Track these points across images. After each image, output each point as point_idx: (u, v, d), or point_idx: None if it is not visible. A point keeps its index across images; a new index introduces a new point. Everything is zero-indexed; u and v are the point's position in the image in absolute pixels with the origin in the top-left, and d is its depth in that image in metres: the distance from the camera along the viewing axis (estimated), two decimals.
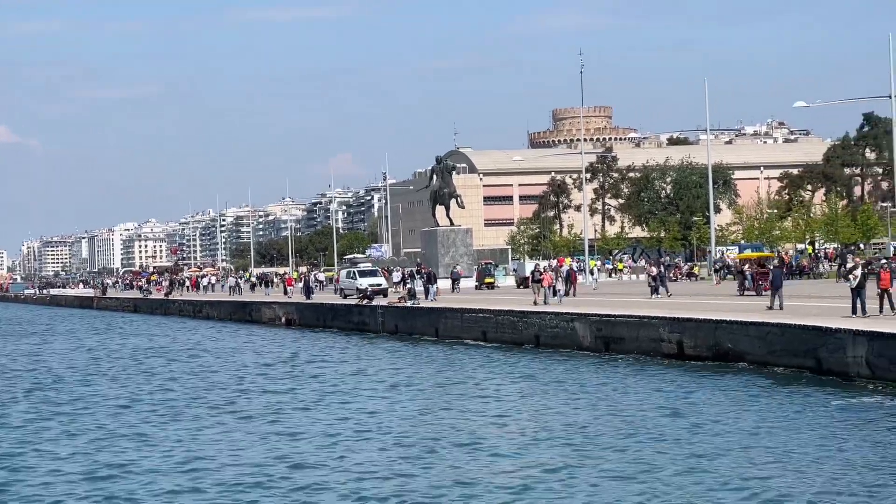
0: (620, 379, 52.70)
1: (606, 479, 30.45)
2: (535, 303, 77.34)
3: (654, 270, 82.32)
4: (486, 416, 43.15)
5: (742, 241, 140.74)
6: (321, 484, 31.26)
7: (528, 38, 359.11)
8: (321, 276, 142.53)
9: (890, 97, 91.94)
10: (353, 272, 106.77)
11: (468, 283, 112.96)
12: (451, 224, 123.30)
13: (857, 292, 52.26)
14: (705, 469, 31.05)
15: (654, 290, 78.94)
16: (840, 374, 46.72)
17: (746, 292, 74.66)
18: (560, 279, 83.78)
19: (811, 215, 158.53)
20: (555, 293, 78.44)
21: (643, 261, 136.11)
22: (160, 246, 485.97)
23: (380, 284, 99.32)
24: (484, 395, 49.68)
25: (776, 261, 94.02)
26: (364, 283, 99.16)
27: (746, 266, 79.47)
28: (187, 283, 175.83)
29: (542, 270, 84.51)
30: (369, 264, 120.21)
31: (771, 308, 60.65)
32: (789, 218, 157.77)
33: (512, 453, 34.75)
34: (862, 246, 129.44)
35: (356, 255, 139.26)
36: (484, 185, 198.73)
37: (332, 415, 45.29)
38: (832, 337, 48.88)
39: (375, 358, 70.37)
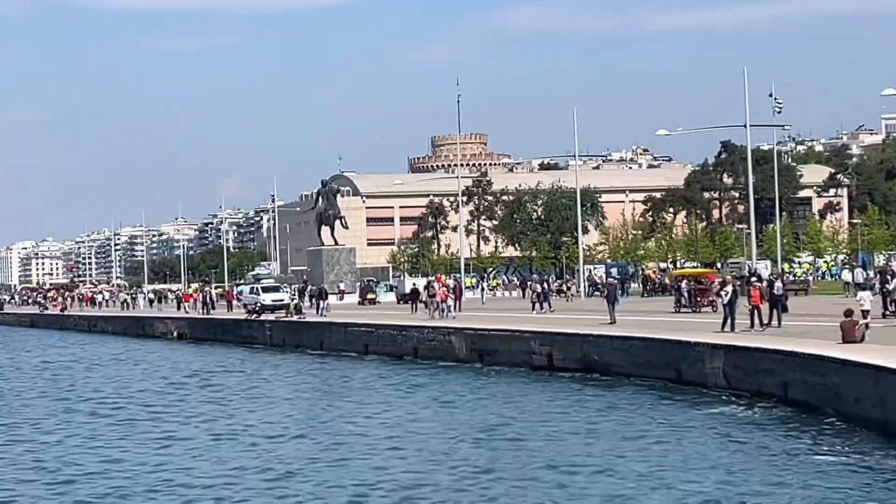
0: (490, 387, 53.30)
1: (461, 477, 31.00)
2: (432, 317, 77.30)
3: (539, 287, 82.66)
4: (358, 422, 43.68)
5: (609, 260, 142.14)
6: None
7: (405, 68, 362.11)
8: (214, 293, 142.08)
9: (745, 126, 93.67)
10: (257, 288, 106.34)
11: (351, 298, 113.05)
12: (336, 244, 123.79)
13: (729, 308, 52.80)
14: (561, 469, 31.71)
15: (538, 305, 78.91)
16: (699, 384, 47.38)
17: (683, 309, 71.46)
18: (450, 295, 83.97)
19: (673, 236, 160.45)
20: (445, 308, 78.51)
21: (515, 278, 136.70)
22: (57, 263, 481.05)
23: (282, 300, 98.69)
24: (360, 404, 50.19)
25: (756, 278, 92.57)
26: (268, 298, 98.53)
27: (683, 283, 76.06)
28: (78, 299, 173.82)
29: (435, 286, 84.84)
30: (272, 280, 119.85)
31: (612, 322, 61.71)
32: (652, 238, 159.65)
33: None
34: (719, 265, 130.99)
35: (260, 272, 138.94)
36: (367, 207, 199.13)
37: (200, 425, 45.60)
38: (692, 350, 49.69)
39: (259, 371, 70.42)
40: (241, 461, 35.91)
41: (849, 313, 44.84)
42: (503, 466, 33.40)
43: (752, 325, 52.27)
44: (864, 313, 46.03)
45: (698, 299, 71.12)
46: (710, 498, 28.46)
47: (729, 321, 52.24)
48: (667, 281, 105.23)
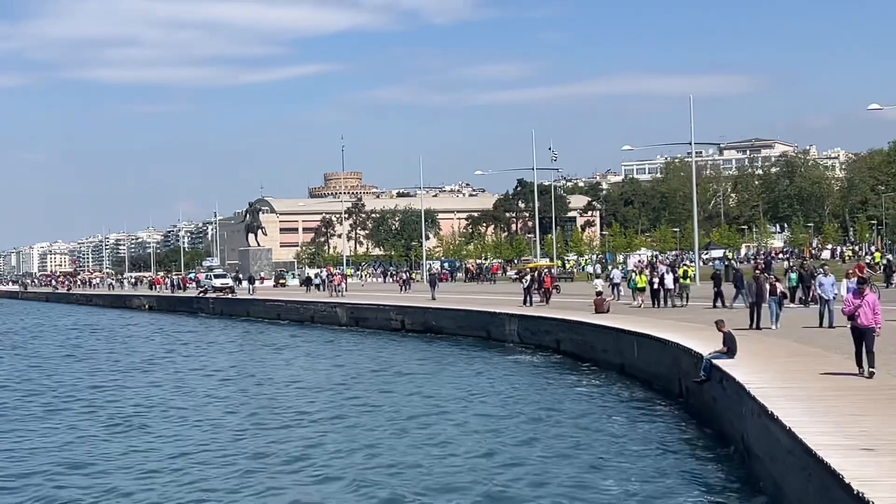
0: (368, 343, 53.74)
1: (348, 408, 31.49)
2: (331, 295, 76.54)
3: (404, 276, 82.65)
4: (277, 365, 43.91)
5: (442, 258, 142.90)
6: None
7: (307, 125, 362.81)
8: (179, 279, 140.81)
9: (533, 169, 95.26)
10: (210, 275, 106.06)
11: (269, 283, 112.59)
12: (259, 246, 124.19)
13: (527, 290, 53.32)
14: (424, 393, 32.36)
15: (403, 288, 79.33)
16: (502, 341, 48.01)
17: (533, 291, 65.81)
18: (344, 281, 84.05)
19: (485, 242, 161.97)
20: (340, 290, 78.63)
21: (380, 269, 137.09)
22: (65, 258, 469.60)
23: (228, 283, 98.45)
24: (275, 351, 50.38)
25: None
26: (217, 282, 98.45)
27: (535, 273, 71.53)
28: (80, 282, 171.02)
29: (336, 275, 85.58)
30: (221, 270, 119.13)
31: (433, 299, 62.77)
32: (471, 244, 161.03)
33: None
34: (515, 261, 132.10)
35: (212, 264, 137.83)
36: (280, 221, 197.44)
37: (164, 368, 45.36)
38: (497, 318, 50.43)
39: (204, 329, 70.24)
40: (193, 374, 36.58)
41: (599, 293, 45.78)
42: (372, 383, 34.05)
43: (545, 301, 53.03)
44: (598, 294, 46.80)
45: (542, 286, 68.06)
46: (506, 401, 29.71)
47: (528, 298, 52.50)
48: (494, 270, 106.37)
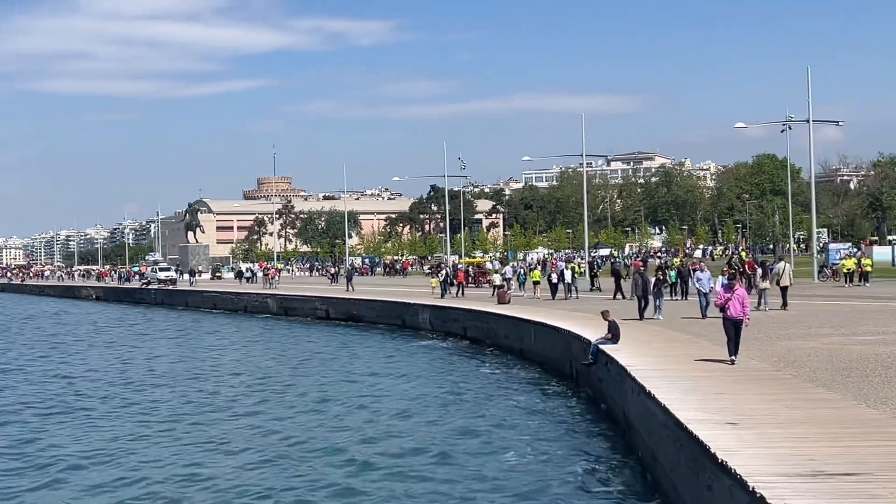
0: (298, 330, 53.44)
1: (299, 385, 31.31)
2: (265, 287, 75.31)
3: (332, 270, 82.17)
4: (211, 349, 43.49)
5: (363, 254, 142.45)
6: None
7: (242, 136, 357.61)
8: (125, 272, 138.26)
9: (444, 176, 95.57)
10: (156, 268, 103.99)
11: (206, 276, 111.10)
12: (197, 242, 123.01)
13: (444, 283, 53.21)
14: (350, 370, 32.29)
15: (334, 281, 78.17)
16: (415, 328, 48.09)
17: (469, 284, 59.20)
18: (278, 275, 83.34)
19: (401, 240, 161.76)
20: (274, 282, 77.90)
21: (308, 265, 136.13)
22: (19, 252, 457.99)
23: (172, 276, 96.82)
24: (210, 334, 49.89)
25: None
26: (162, 275, 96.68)
27: (470, 268, 67.93)
28: (33, 274, 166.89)
29: (271, 268, 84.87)
30: (165, 264, 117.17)
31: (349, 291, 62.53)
32: (389, 242, 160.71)
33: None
34: (429, 257, 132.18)
35: (157, 259, 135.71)
36: (217, 220, 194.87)
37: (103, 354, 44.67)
38: (411, 308, 50.49)
39: (144, 318, 69.17)
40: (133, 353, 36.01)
41: (500, 286, 46.08)
42: (299, 362, 33.96)
43: (460, 294, 52.87)
44: (499, 287, 47.25)
45: (479, 278, 64.65)
46: (417, 376, 29.74)
47: (444, 290, 52.42)
48: (405, 265, 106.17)
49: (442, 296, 51.77)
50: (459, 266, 65.56)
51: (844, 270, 52.30)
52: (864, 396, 15.00)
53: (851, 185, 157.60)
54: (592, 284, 52.15)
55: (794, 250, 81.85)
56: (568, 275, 46.63)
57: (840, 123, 69.86)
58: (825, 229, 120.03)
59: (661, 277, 33.68)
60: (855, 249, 75.58)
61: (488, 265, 75.90)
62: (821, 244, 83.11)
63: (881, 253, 72.30)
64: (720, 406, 14.47)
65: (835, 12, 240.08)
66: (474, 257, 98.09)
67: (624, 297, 41.00)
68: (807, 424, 12.89)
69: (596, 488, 16.40)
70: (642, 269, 36.62)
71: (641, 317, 30.96)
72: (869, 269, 51.73)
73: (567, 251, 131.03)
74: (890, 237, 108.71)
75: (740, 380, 17.20)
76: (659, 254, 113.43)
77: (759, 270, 38.02)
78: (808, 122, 58.11)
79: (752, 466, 10.39)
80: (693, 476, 12.39)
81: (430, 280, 60.00)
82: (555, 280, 46.40)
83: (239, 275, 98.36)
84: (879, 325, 26.75)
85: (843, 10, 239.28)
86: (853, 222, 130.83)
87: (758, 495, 9.32)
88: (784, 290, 33.97)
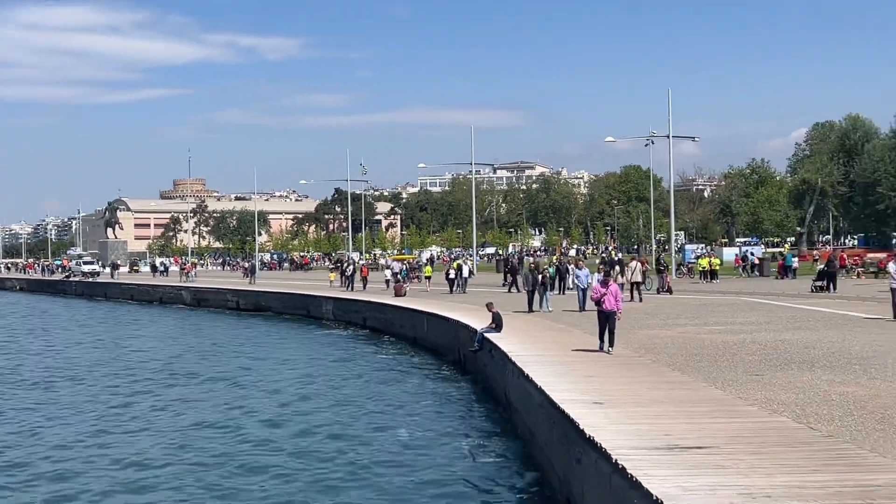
0: (208, 320, 52.59)
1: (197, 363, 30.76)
2: (182, 280, 73.24)
3: (247, 265, 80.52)
4: (130, 332, 42.54)
5: (272, 251, 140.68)
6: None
7: (159, 141, 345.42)
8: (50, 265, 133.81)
9: (348, 180, 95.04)
10: (81, 262, 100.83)
11: (124, 270, 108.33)
12: (116, 238, 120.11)
13: (349, 278, 52.39)
14: (253, 355, 31.93)
15: (248, 277, 76.47)
16: (319, 318, 47.75)
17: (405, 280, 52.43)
18: (194, 269, 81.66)
19: (307, 238, 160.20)
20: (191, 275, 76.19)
21: (220, 260, 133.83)
22: None
23: (96, 269, 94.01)
24: (128, 324, 48.78)
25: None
26: (87, 268, 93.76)
27: (403, 264, 62.10)
28: None
29: (188, 263, 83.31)
30: (90, 258, 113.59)
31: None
32: (296, 239, 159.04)
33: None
34: (332, 254, 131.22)
35: (82, 253, 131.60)
36: (135, 218, 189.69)
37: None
38: (315, 300, 50.15)
39: (65, 307, 67.32)
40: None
41: (398, 280, 45.99)
42: (209, 349, 33.48)
43: (364, 287, 52.28)
44: (395, 281, 47.49)
45: (411, 274, 57.96)
46: (318, 362, 29.02)
47: (350, 284, 51.63)
48: (306, 261, 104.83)
49: (350, 289, 51.51)
50: (362, 262, 65.29)
51: (699, 268, 53.67)
52: (714, 379, 15.33)
53: (705, 194, 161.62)
54: (505, 280, 50.62)
55: (655, 250, 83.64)
56: (466, 270, 47.25)
57: (696, 139, 71.45)
58: (682, 232, 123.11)
59: (544, 274, 34.00)
60: (708, 250, 77.70)
61: (391, 263, 75.35)
62: (678, 245, 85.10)
63: (729, 253, 74.29)
64: (589, 388, 14.58)
65: (694, 39, 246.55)
66: (404, 255, 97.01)
67: (519, 291, 41.02)
68: (664, 404, 13.08)
69: (481, 461, 16.54)
70: (533, 265, 36.89)
71: (531, 309, 30.96)
72: (717, 267, 53.15)
73: (457, 249, 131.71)
74: (738, 239, 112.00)
75: (607, 365, 17.41)
76: (537, 252, 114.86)
77: (617, 267, 39.09)
78: (668, 137, 59.52)
79: (615, 441, 10.53)
80: (565, 450, 12.52)
81: (329, 275, 60.07)
82: (452, 276, 46.53)
83: (153, 269, 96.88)
84: (726, 317, 27.43)
85: (702, 36, 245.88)
86: (706, 226, 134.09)
87: (620, 466, 9.49)
88: (635, 285, 34.66)
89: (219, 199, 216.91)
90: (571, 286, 34.00)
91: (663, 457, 9.80)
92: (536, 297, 31.39)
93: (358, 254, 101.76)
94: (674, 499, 8.14)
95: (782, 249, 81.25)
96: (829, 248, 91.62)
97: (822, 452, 9.85)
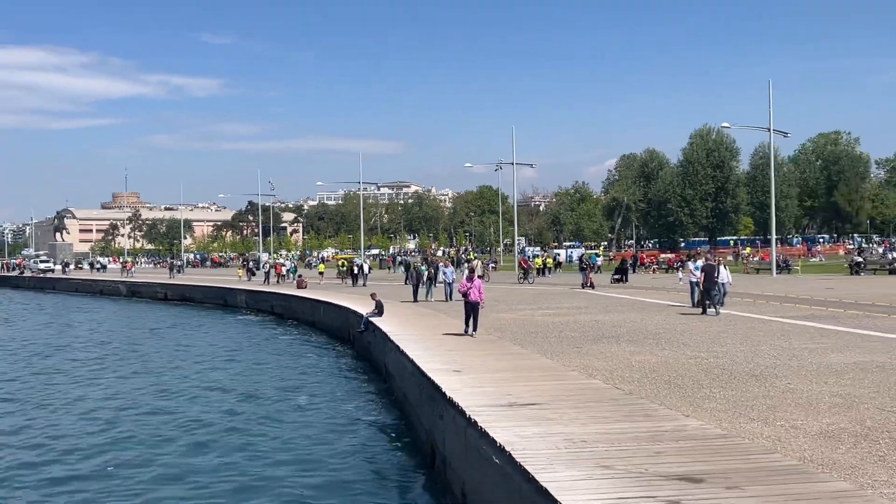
0: (142, 309, 50.54)
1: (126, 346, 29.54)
2: (122, 276, 69.66)
3: (174, 264, 77.38)
4: (73, 317, 40.53)
5: (196, 252, 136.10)
6: None
7: (100, 158, 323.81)
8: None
9: (258, 194, 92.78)
10: (37, 261, 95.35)
11: (71, 268, 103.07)
12: (63, 241, 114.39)
13: (267, 274, 51.07)
14: (171, 339, 30.83)
15: (173, 273, 72.61)
16: (235, 307, 46.56)
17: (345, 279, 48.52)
18: (133, 267, 78.12)
19: (225, 242, 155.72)
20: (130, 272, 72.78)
21: (152, 260, 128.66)
22: None
23: (50, 266, 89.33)
24: (79, 311, 46.46)
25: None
26: (43, 266, 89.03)
27: (343, 263, 56.16)
28: None
29: (128, 262, 79.98)
30: (46, 256, 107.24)
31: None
32: (216, 242, 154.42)
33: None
34: (247, 254, 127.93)
35: (39, 253, 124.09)
36: (79, 224, 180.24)
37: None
38: (231, 292, 48.91)
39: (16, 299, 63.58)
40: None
41: (300, 278, 45.15)
42: (140, 331, 32.19)
43: (277, 281, 50.90)
44: (299, 276, 46.78)
45: (354, 273, 57.31)
46: (234, 341, 28.18)
47: (267, 279, 50.49)
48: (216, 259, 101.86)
49: (265, 283, 50.07)
50: (278, 262, 63.86)
51: (536, 266, 54.83)
52: (545, 351, 15.52)
53: (541, 208, 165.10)
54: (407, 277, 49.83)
55: (502, 251, 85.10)
56: (366, 267, 47.15)
57: (534, 166, 73.85)
58: (523, 238, 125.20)
59: (430, 271, 33.80)
60: (542, 252, 79.62)
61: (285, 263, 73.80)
62: (520, 248, 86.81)
63: (560, 254, 76.37)
64: (450, 359, 14.56)
65: (532, 85, 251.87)
66: (345, 255, 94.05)
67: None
68: (507, 371, 13.14)
69: (365, 419, 16.45)
70: (419, 264, 36.66)
71: (415, 299, 30.28)
72: (549, 264, 54.44)
73: (348, 251, 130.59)
74: (565, 243, 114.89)
75: (465, 342, 17.42)
76: (412, 253, 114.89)
77: (467, 265, 39.54)
78: (512, 164, 60.91)
79: (469, 400, 10.57)
80: (430, 408, 12.54)
81: (238, 271, 59.45)
82: (356, 271, 45.93)
83: (91, 266, 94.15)
84: (555, 303, 27.96)
85: (538, 82, 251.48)
86: (541, 233, 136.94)
87: (472, 420, 9.57)
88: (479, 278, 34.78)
89: (151, 209, 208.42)
90: (440, 281, 34.05)
91: (505, 412, 9.87)
92: (423, 289, 31.15)
93: (266, 254, 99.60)
94: (511, 444, 8.24)
95: (597, 251, 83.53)
96: (629, 250, 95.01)
97: (625, 406, 10.09)
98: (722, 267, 24.11)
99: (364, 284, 44.09)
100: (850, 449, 7.86)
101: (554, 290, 35.74)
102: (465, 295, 18.21)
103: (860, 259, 49.51)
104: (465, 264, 40.37)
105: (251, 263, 57.11)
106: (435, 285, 37.01)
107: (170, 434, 15.20)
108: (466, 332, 18.22)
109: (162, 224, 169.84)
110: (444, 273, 32.23)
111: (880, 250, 66.12)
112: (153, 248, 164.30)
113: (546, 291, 35.10)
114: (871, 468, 7.20)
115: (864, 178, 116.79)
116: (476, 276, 19.04)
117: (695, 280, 24.28)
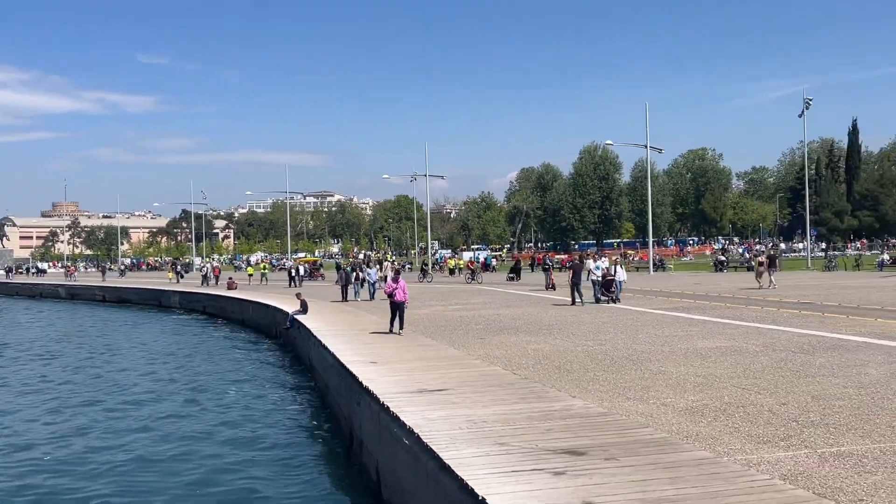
0: (84, 310, 48.21)
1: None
2: (67, 279, 65.93)
3: (110, 267, 74.05)
4: (16, 316, 38.27)
5: (132, 257, 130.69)
6: None
7: (44, 173, 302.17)
8: None
9: (191, 203, 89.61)
10: None
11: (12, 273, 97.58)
12: (4, 247, 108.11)
13: (205, 277, 49.12)
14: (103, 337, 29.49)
15: (103, 275, 69.64)
16: (169, 307, 45.04)
17: (303, 281, 44.99)
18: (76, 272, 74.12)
19: (161, 247, 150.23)
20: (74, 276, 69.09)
21: (92, 264, 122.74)
22: None
23: None
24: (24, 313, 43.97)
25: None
26: None
27: (304, 265, 52.10)
28: None
29: (70, 267, 76.11)
30: None
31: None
32: (151, 248, 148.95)
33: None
34: (182, 258, 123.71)
35: None
36: (20, 231, 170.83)
37: None
38: (165, 293, 47.25)
39: None
40: None
41: (230, 279, 44.00)
42: (77, 329, 30.69)
43: (213, 283, 48.75)
44: (229, 279, 45.34)
45: (314, 273, 51.16)
46: (166, 338, 27.53)
47: (205, 281, 48.60)
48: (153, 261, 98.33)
49: (203, 284, 48.39)
50: (216, 265, 62.00)
51: (449, 266, 55.17)
52: (452, 342, 15.51)
53: (452, 215, 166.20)
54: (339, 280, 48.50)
55: (419, 254, 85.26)
56: (302, 269, 46.12)
57: (444, 177, 74.15)
58: (436, 241, 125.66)
59: (358, 272, 33.21)
60: (454, 254, 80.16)
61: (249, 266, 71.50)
62: (434, 250, 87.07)
63: (467, 255, 77.03)
64: (368, 352, 14.40)
65: (443, 103, 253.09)
66: (309, 258, 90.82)
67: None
68: (418, 361, 13.08)
69: (290, 407, 16.18)
70: (345, 265, 36.04)
71: (345, 299, 29.13)
72: (461, 265, 54.81)
73: (277, 254, 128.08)
74: (474, 247, 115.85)
75: (381, 335, 17.25)
76: (339, 256, 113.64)
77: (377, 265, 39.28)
78: (426, 176, 61.13)
79: (383, 388, 10.50)
80: (349, 396, 12.40)
81: (168, 274, 57.83)
82: (293, 273, 44.72)
83: (27, 270, 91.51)
84: (463, 299, 28.03)
85: (451, 102, 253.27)
86: (452, 237, 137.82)
87: (385, 406, 9.51)
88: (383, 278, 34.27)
89: (89, 217, 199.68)
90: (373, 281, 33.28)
91: (415, 398, 9.82)
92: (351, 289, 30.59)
93: (199, 258, 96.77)
94: (419, 426, 8.20)
95: (500, 253, 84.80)
96: (526, 252, 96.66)
97: (521, 390, 10.17)
98: (619, 266, 24.74)
99: (299, 285, 43.21)
100: (710, 422, 8.15)
101: (464, 288, 35.94)
102: (390, 295, 17.43)
103: (723, 258, 51.86)
104: (387, 265, 39.99)
105: (179, 267, 55.36)
106: (362, 284, 36.45)
107: (101, 423, 14.51)
108: (392, 330, 17.35)
109: (100, 231, 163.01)
110: (368, 274, 31.86)
111: (740, 251, 69.49)
112: (91, 253, 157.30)
113: (456, 289, 35.23)
114: (727, 438, 7.48)
115: (727, 189, 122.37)
116: (401, 278, 18.26)
117: (595, 278, 24.29)
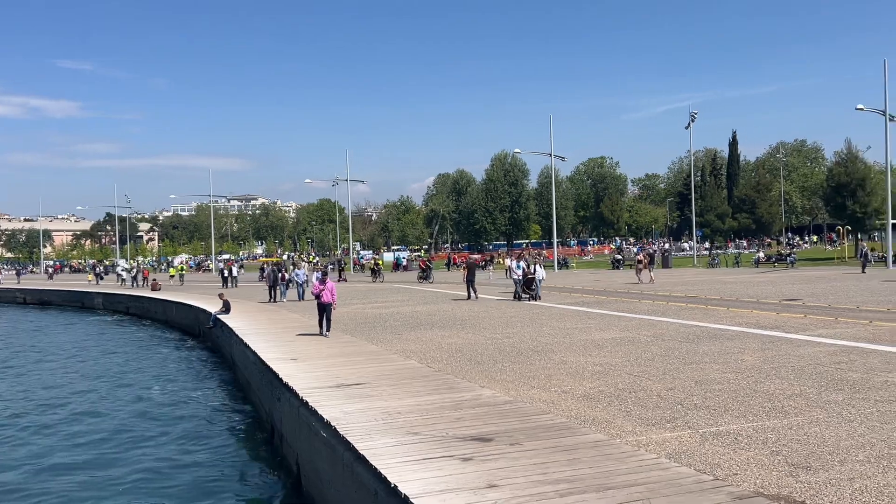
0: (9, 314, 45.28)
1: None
2: (18, 282, 61.63)
3: (51, 270, 69.70)
4: None
5: (56, 259, 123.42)
6: None
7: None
8: None
9: (115, 207, 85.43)
10: None
11: None
12: None
13: (134, 278, 46.63)
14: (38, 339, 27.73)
15: (96, 275, 65.39)
16: (91, 308, 42.87)
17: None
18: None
19: (85, 249, 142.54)
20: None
21: (13, 267, 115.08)
22: None
23: None
24: None
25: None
26: None
27: (270, 266, 50.75)
28: None
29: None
30: None
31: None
32: (75, 250, 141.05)
33: None
34: (104, 260, 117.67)
35: None
36: None
37: None
38: (88, 295, 44.95)
39: None
40: None
41: (154, 280, 42.18)
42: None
43: (142, 284, 46.39)
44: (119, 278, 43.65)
45: (283, 274, 50.23)
46: (88, 339, 26.09)
47: (135, 283, 46.59)
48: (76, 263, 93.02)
49: (132, 286, 46.06)
50: (144, 267, 59.12)
51: (370, 266, 54.58)
52: (371, 338, 15.37)
53: (373, 218, 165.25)
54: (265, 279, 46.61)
55: (342, 255, 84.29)
56: (235, 270, 44.20)
57: (365, 182, 73.60)
58: (359, 243, 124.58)
59: (282, 273, 32.32)
60: (374, 255, 79.66)
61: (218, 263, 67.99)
62: (356, 251, 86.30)
63: (388, 256, 76.74)
64: (289, 349, 14.12)
65: (367, 112, 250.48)
66: (275, 257, 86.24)
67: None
68: (338, 357, 12.90)
69: (213, 403, 15.64)
70: (271, 265, 34.85)
71: (273, 299, 27.78)
72: (381, 265, 54.41)
73: (201, 256, 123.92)
74: (394, 248, 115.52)
75: (302, 334, 16.92)
76: (262, 257, 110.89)
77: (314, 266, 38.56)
78: (347, 181, 60.52)
79: (302, 383, 10.29)
80: (270, 392, 12.13)
81: (87, 276, 55.23)
82: (226, 275, 42.88)
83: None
84: (383, 298, 27.88)
85: (373, 109, 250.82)
86: (374, 239, 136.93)
87: (304, 401, 9.32)
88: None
89: (10, 221, 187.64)
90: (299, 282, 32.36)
91: (333, 392, 9.66)
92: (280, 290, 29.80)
93: (124, 260, 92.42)
94: (337, 419, 8.07)
95: (419, 253, 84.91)
96: (443, 252, 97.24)
97: (434, 382, 10.15)
98: (538, 266, 25.10)
99: (235, 285, 41.38)
100: (605, 407, 8.35)
101: (383, 287, 35.77)
102: (317, 297, 16.34)
103: (619, 257, 53.56)
104: (310, 265, 39.24)
105: (98, 269, 52.81)
106: (288, 285, 35.66)
107: (29, 421, 13.56)
108: (321, 332, 16.11)
109: (21, 234, 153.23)
110: (297, 274, 31.06)
111: (634, 250, 72.03)
112: (12, 256, 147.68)
113: (376, 288, 35.03)
114: (620, 422, 7.68)
115: (623, 194, 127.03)
116: (329, 279, 17.40)
117: (516, 277, 24.33)
